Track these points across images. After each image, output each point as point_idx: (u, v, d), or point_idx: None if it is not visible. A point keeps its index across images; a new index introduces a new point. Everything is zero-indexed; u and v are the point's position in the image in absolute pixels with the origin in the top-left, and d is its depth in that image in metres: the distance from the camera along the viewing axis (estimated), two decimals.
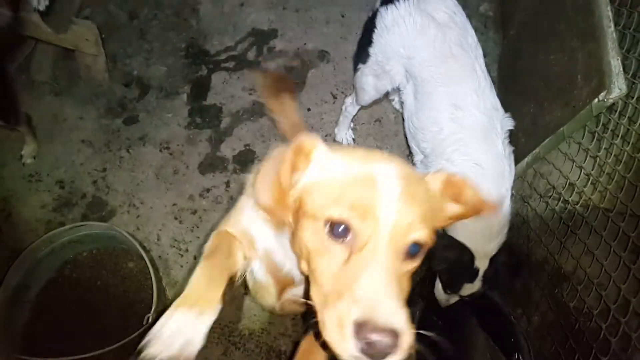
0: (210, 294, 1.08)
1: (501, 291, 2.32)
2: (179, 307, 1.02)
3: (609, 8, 1.91)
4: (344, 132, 2.92)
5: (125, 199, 2.76)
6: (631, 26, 1.92)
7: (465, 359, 2.41)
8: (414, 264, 0.99)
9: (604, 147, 2.05)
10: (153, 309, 2.11)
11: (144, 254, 2.22)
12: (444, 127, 2.14)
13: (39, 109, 2.99)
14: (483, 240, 2.06)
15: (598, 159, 2.08)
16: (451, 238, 2.06)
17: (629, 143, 1.89)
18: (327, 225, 0.94)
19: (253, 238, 1.34)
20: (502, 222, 2.11)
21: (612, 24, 1.88)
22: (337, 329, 0.87)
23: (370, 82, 2.46)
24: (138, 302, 2.31)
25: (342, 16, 3.32)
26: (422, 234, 0.96)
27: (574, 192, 2.22)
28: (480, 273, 2.09)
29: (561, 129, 2.13)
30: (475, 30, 3.21)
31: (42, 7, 2.49)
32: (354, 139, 2.95)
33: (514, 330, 2.25)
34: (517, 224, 2.69)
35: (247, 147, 2.91)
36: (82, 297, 2.39)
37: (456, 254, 2.04)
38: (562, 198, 2.30)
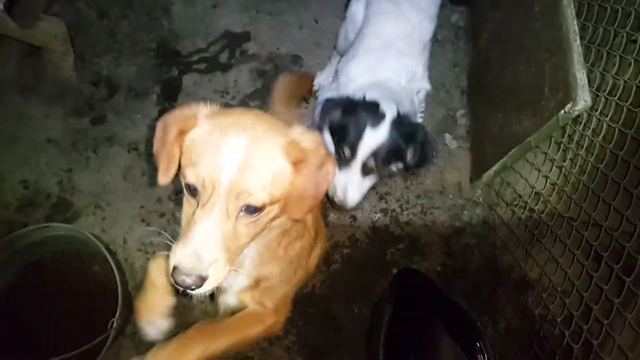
0: None
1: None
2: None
3: (575, 22, 1.96)
4: (322, 77, 2.97)
5: (91, 200, 2.69)
6: (596, 41, 1.99)
7: None
8: (257, 218, 1.24)
9: (569, 157, 2.11)
10: (118, 313, 2.05)
11: (109, 257, 2.16)
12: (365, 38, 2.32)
13: (3, 106, 2.89)
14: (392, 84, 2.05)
15: (563, 169, 2.14)
16: None
17: (592, 154, 1.95)
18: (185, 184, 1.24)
19: None
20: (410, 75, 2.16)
21: (578, 38, 1.93)
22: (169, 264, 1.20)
23: (342, 33, 2.69)
24: (103, 306, 2.24)
25: (316, 22, 3.32)
26: (255, 199, 1.19)
27: (540, 201, 2.27)
28: (388, 119, 1.87)
29: (528, 139, 2.17)
30: (446, 40, 3.30)
31: None
32: None
33: (481, 336, 2.28)
34: (484, 232, 2.74)
35: None
36: (44, 301, 2.30)
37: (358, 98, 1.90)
38: (528, 207, 2.36)
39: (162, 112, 2.95)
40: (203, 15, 3.31)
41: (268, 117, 1.35)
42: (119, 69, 3.09)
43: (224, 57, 3.18)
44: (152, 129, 2.88)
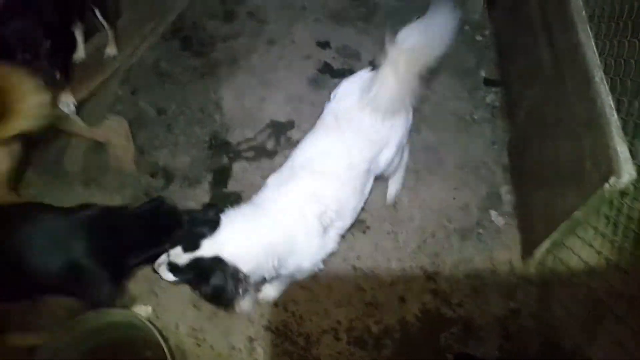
0: None
1: None
2: None
3: (610, 97, 1.99)
4: None
5: (146, 286, 2.78)
6: (634, 113, 1.99)
7: None
8: None
9: (620, 231, 2.04)
10: None
11: (163, 344, 2.20)
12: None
13: (68, 197, 3.11)
14: None
15: (616, 243, 2.07)
16: None
17: None
18: None
19: None
20: None
21: (614, 112, 1.95)
22: None
23: None
24: None
25: None
26: None
27: (596, 278, 2.18)
28: None
29: (575, 213, 2.14)
30: (483, 120, 3.37)
31: (70, 110, 2.73)
32: None
33: None
34: (542, 312, 2.62)
35: None
36: None
37: None
38: (584, 284, 2.26)
39: (213, 198, 3.11)
40: (251, 107, 3.55)
41: None
42: (175, 160, 3.31)
43: (270, 145, 3.36)
44: None
